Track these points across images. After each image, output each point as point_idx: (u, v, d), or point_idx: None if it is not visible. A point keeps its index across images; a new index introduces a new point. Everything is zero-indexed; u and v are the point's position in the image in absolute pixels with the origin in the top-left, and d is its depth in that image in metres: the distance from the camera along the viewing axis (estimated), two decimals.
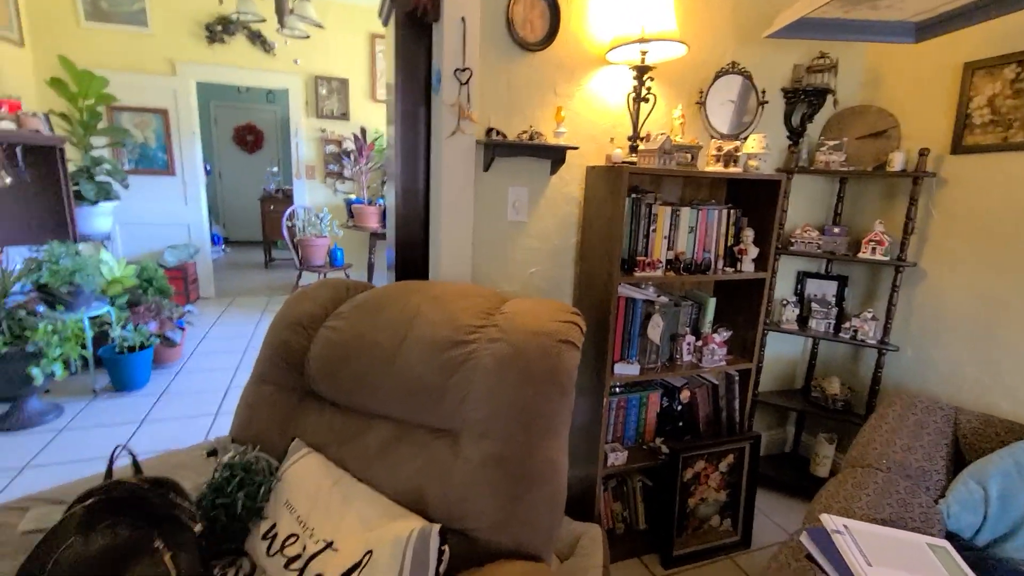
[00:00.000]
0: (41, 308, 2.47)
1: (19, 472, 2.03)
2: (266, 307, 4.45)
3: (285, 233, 4.19)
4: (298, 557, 1.02)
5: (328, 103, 4.65)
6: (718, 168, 1.64)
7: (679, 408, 1.81)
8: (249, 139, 7.02)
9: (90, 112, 3.43)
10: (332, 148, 4.75)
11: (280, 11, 2.73)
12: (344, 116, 4.73)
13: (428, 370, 1.19)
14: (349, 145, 4.73)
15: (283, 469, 1.17)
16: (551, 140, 1.58)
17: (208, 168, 4.69)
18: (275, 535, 1.07)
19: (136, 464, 1.04)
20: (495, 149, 1.54)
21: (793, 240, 2.03)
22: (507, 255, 1.69)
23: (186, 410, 2.59)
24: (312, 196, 4.75)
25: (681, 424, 1.82)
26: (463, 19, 1.46)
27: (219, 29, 4.16)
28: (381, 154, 4.67)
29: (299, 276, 4.27)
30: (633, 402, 1.74)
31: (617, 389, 1.72)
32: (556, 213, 1.72)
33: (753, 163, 1.66)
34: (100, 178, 3.48)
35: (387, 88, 1.99)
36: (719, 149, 1.65)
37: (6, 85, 3.42)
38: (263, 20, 2.96)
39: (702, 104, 1.78)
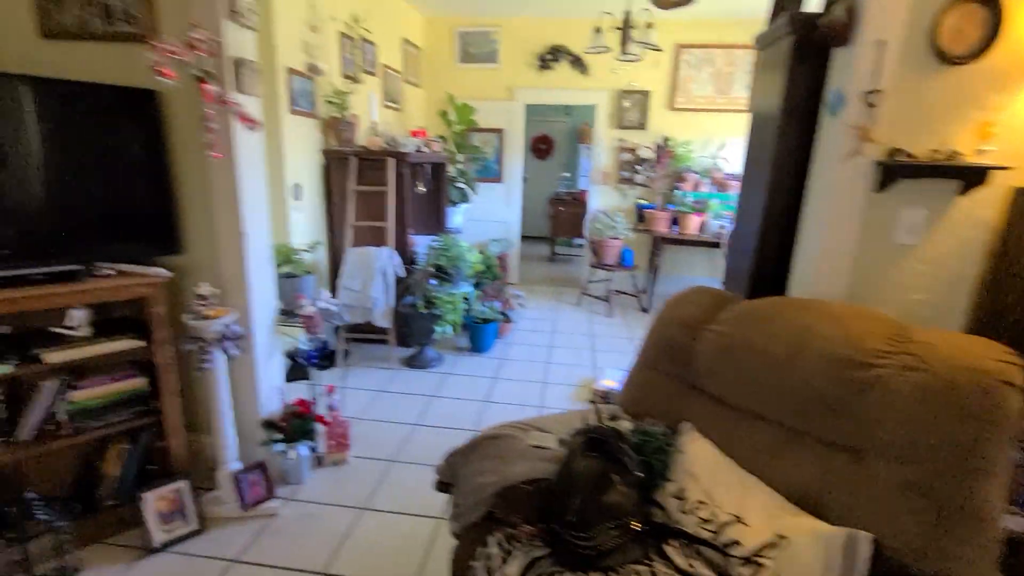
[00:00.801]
0: (433, 283, 3.38)
1: (430, 399, 2.87)
2: (560, 297, 5.09)
3: (586, 233, 4.72)
4: (710, 521, 1.23)
5: (629, 114, 5.00)
6: None
7: None
8: (542, 147, 8.03)
9: (461, 135, 4.48)
10: (627, 156, 5.10)
11: (625, 40, 3.08)
12: (641, 126, 5.02)
13: (826, 385, 1.26)
14: (643, 153, 5.00)
15: (681, 443, 1.41)
16: (972, 159, 1.44)
17: (525, 176, 5.59)
18: (685, 497, 1.31)
19: (600, 414, 1.41)
20: (897, 170, 1.49)
21: None
22: (886, 278, 1.62)
23: (521, 375, 3.22)
24: (604, 200, 5.20)
25: None
26: (879, 41, 1.45)
27: (549, 58, 4.89)
28: (677, 161, 4.81)
29: (592, 273, 4.75)
30: None
31: None
32: (957, 238, 1.56)
33: None
34: (459, 185, 4.52)
35: (751, 103, 2.09)
36: None
37: (414, 117, 4.74)
38: (609, 50, 3.39)
39: None
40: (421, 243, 3.61)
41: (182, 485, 1.80)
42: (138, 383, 1.79)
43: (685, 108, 4.94)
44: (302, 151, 3.00)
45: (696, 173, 4.82)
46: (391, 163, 3.20)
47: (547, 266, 6.64)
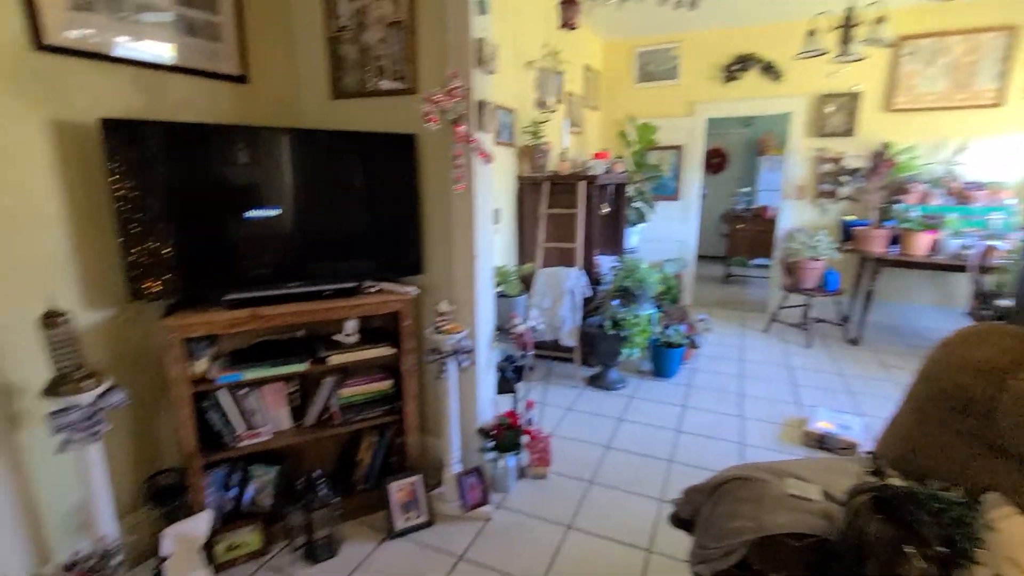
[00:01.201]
0: (615, 303, 3.35)
1: (619, 422, 2.83)
2: (744, 322, 4.69)
3: (777, 252, 4.29)
4: None
5: (832, 120, 4.45)
6: None
7: None
8: (714, 161, 7.56)
9: (639, 154, 4.44)
10: (827, 167, 4.53)
11: (845, 39, 2.75)
12: (847, 132, 4.42)
13: None
14: (850, 162, 4.40)
15: (991, 519, 1.16)
16: None
17: (705, 191, 5.32)
18: None
19: (879, 471, 1.24)
20: None
21: None
22: None
23: (713, 406, 3.01)
24: (798, 216, 4.68)
25: None
26: None
27: (735, 68, 4.60)
28: (897, 170, 4.13)
29: (784, 297, 4.30)
30: None
31: None
32: None
33: None
34: (636, 205, 4.46)
35: None
36: None
37: (592, 140, 4.84)
38: (824, 53, 3.07)
39: None
40: (603, 264, 3.62)
41: (416, 480, 2.02)
42: (387, 385, 2.06)
43: (907, 108, 4.24)
44: (502, 178, 3.23)
45: (924, 183, 4.08)
46: (582, 186, 3.28)
47: (721, 288, 6.19)
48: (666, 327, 3.41)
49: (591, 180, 3.31)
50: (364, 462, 2.08)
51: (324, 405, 1.97)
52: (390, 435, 2.09)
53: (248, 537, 1.82)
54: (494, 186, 3.09)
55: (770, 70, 4.53)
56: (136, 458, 1.80)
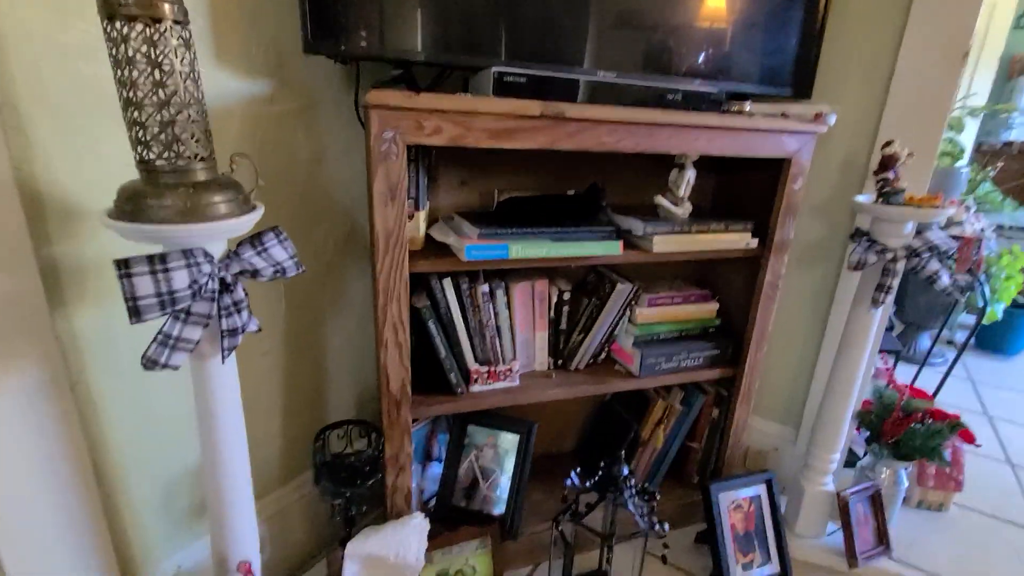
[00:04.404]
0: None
1: (992, 420, 1.72)
2: None
3: None
4: None
5: None
6: None
7: None
8: None
9: None
10: None
11: None
12: None
13: None
14: None
15: None
16: None
17: None
18: None
19: None
20: None
21: None
22: None
23: None
24: None
25: None
26: None
27: None
28: None
29: None
30: None
31: None
32: None
33: None
34: None
35: None
36: None
37: None
38: None
39: None
40: None
41: (762, 490, 1.07)
42: (707, 311, 1.10)
43: None
44: None
45: None
46: None
47: None
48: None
49: None
50: (652, 445, 1.15)
51: (608, 335, 1.04)
52: (704, 402, 1.14)
53: (476, 559, 0.97)
54: None
55: None
56: (284, 389, 0.97)
